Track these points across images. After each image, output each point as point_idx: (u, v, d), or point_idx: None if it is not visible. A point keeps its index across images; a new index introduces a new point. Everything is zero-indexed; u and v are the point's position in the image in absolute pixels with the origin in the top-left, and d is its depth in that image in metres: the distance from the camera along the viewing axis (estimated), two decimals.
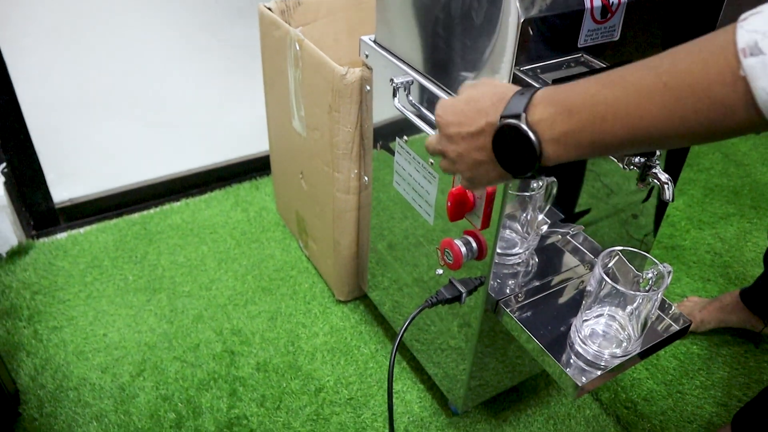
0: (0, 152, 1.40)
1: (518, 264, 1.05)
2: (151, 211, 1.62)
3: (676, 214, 1.74)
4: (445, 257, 0.95)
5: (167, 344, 1.30)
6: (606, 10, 0.80)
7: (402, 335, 0.97)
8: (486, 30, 0.78)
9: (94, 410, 1.17)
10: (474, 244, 0.94)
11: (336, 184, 1.22)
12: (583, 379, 0.88)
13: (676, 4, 0.87)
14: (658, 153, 0.81)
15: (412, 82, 0.95)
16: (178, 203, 1.65)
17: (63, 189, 1.54)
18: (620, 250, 0.91)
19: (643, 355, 0.94)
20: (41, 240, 1.52)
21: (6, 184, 1.43)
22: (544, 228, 1.04)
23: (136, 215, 1.61)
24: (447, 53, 0.88)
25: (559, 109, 0.54)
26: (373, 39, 1.04)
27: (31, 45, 1.34)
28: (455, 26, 0.84)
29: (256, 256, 1.51)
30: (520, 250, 1.05)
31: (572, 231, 1.09)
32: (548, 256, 1.07)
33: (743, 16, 0.46)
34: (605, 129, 0.52)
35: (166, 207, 1.64)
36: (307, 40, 1.19)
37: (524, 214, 1.03)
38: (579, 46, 0.81)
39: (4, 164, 1.42)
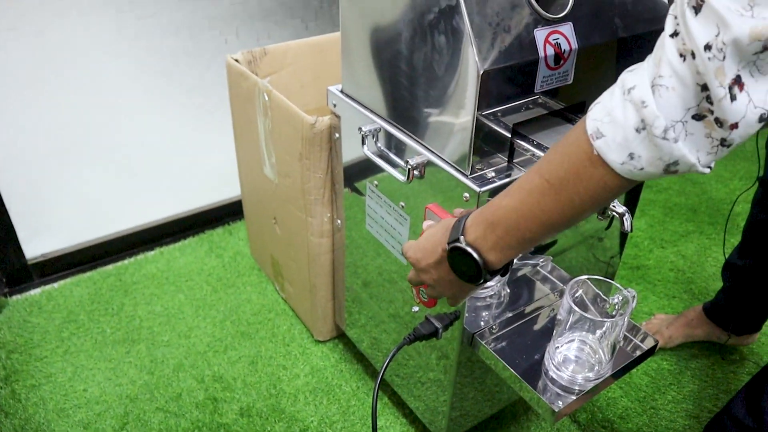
0: None
1: (491, 296, 1.09)
2: (126, 261, 1.63)
3: (639, 235, 1.80)
4: (420, 296, 0.98)
5: (149, 395, 1.30)
6: (559, 58, 0.85)
7: (383, 374, 1.00)
8: (448, 81, 0.83)
9: None
10: None
11: (309, 228, 1.25)
12: (560, 403, 0.92)
13: (622, 47, 0.93)
14: None
15: (380, 130, 1.00)
16: (153, 252, 1.66)
17: (36, 244, 1.54)
18: (586, 279, 0.95)
19: (615, 376, 0.98)
20: (14, 297, 1.52)
21: None
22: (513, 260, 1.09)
23: (110, 267, 1.61)
24: (412, 102, 0.92)
25: (485, 225, 0.67)
26: (339, 89, 1.08)
27: (6, 97, 1.35)
28: (418, 77, 0.89)
29: (233, 301, 1.53)
30: (492, 283, 1.09)
31: (541, 261, 1.14)
32: (520, 287, 1.11)
33: (590, 106, 0.59)
34: (522, 230, 0.64)
35: (141, 257, 1.65)
36: (275, 89, 1.23)
37: None
38: (535, 91, 0.87)
39: None
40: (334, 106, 1.09)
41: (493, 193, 0.85)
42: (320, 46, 1.43)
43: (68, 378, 1.33)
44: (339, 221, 1.23)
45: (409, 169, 0.94)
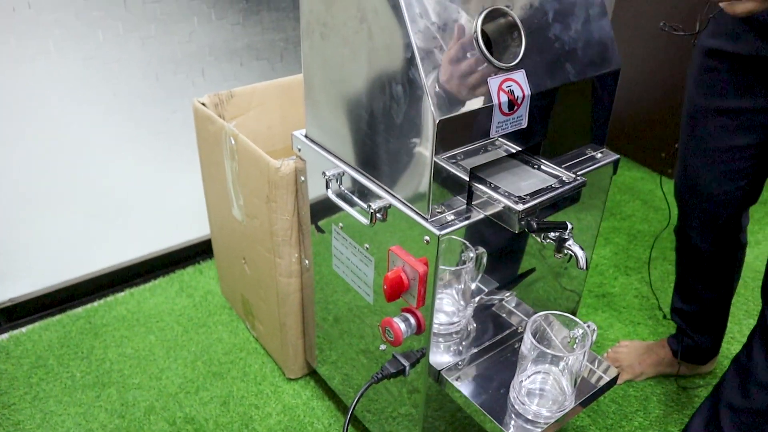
0: None
1: (457, 332, 1.11)
2: (96, 304, 1.62)
3: (604, 263, 1.85)
4: (386, 335, 1.00)
5: None
6: (512, 104, 0.89)
7: (352, 411, 1.01)
8: (406, 128, 0.86)
9: None
10: (413, 321, 1.00)
11: (278, 269, 1.27)
12: None
13: (573, 92, 0.98)
14: (570, 226, 0.89)
15: (343, 174, 1.02)
16: (123, 294, 1.66)
17: (2, 289, 1.53)
18: (547, 314, 0.98)
19: (581, 405, 1.01)
20: None
21: None
22: (477, 298, 1.12)
23: (80, 309, 1.61)
24: (372, 148, 0.95)
25: None
26: (304, 134, 1.11)
27: None
28: (378, 124, 0.92)
29: (205, 341, 1.53)
30: (458, 319, 1.12)
31: (506, 296, 1.17)
32: (486, 322, 1.14)
33: None
34: None
35: (111, 299, 1.64)
36: (242, 133, 1.25)
37: (459, 285, 1.10)
38: (491, 137, 0.90)
39: None
40: (299, 150, 1.12)
41: (445, 241, 0.88)
42: (286, 87, 1.46)
43: (37, 425, 1.32)
44: (307, 261, 1.25)
45: (371, 212, 0.96)
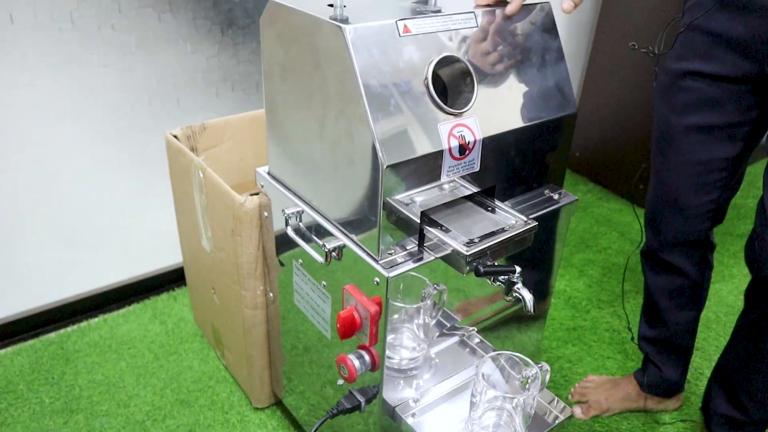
0: None
1: (415, 368, 1.13)
2: (69, 329, 1.64)
3: (577, 296, 1.86)
4: (341, 372, 1.01)
5: None
6: (463, 149, 0.91)
7: None
8: (357, 171, 0.88)
9: None
10: (367, 358, 1.01)
11: (244, 301, 1.28)
12: None
13: (528, 136, 1.00)
14: (518, 270, 0.91)
15: (302, 212, 1.04)
16: (96, 320, 1.67)
17: None
18: (498, 355, 1.00)
19: None
20: None
21: None
22: (436, 334, 1.13)
23: (53, 335, 1.62)
24: (327, 188, 0.97)
25: None
26: (267, 170, 1.13)
27: None
28: (332, 166, 0.94)
29: (175, 368, 1.54)
30: (417, 354, 1.13)
31: (467, 333, 1.18)
32: (445, 358, 1.15)
33: None
34: None
35: (84, 324, 1.65)
36: (212, 165, 1.28)
37: (418, 321, 1.11)
38: (442, 181, 0.92)
39: None
40: (262, 186, 1.14)
41: (395, 282, 0.90)
42: (259, 120, 1.48)
43: None
44: (272, 294, 1.27)
45: (326, 252, 0.98)
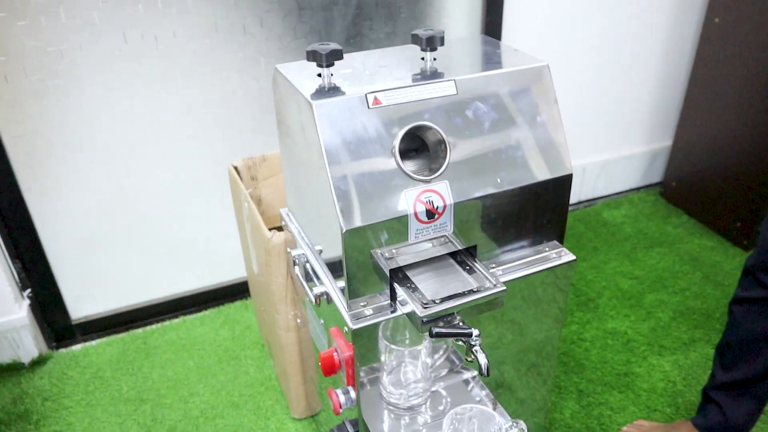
0: (26, 280, 1.71)
1: (418, 405, 1.18)
2: (153, 327, 1.88)
3: (639, 339, 1.80)
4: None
5: None
6: (431, 213, 0.97)
7: None
8: (331, 228, 0.97)
9: None
10: (353, 394, 1.10)
11: (278, 323, 1.42)
12: None
13: (514, 198, 1.03)
14: (476, 332, 0.95)
15: (304, 255, 1.15)
16: (176, 320, 1.90)
17: (80, 307, 1.83)
18: (466, 408, 1.04)
19: None
20: (60, 351, 1.81)
21: (31, 305, 1.73)
22: (432, 376, 1.19)
23: (140, 330, 1.87)
24: (317, 236, 1.07)
25: None
26: (287, 210, 1.25)
27: (51, 188, 1.65)
28: (316, 218, 1.04)
29: (233, 372, 1.72)
30: (413, 393, 1.19)
31: (472, 376, 1.23)
32: (444, 398, 1.20)
33: None
34: None
35: (166, 323, 1.89)
36: (270, 192, 1.44)
37: (421, 360, 1.17)
38: (410, 242, 0.98)
39: (29, 290, 1.73)
40: (285, 225, 1.26)
41: (364, 331, 0.97)
42: None
43: (83, 428, 1.58)
44: (299, 320, 1.39)
45: (314, 295, 1.08)
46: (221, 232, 1.88)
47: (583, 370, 1.70)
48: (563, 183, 1.06)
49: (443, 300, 0.96)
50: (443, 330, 0.94)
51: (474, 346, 0.96)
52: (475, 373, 1.21)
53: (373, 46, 1.79)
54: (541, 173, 1.04)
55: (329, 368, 1.06)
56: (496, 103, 1.02)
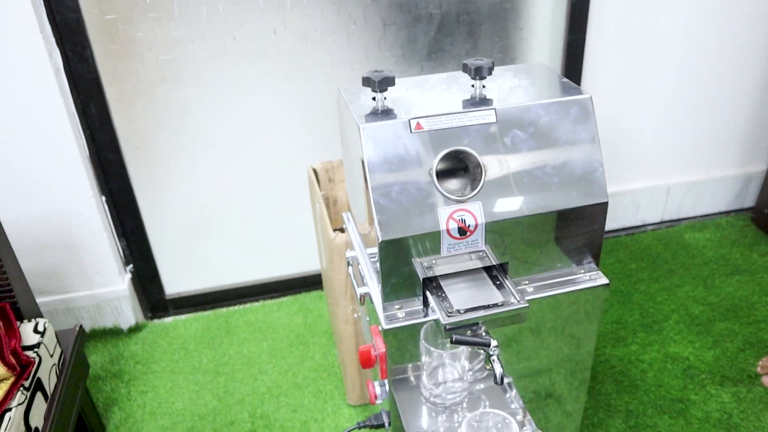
0: (129, 257, 1.95)
1: (456, 404, 1.27)
2: (235, 308, 2.07)
3: (700, 366, 1.78)
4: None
5: (212, 417, 1.69)
6: (463, 230, 1.06)
7: None
8: (373, 240, 1.08)
9: None
10: (387, 387, 1.21)
11: (337, 316, 1.55)
12: None
13: (546, 222, 1.09)
14: (495, 343, 1.03)
15: (356, 258, 1.27)
16: (257, 304, 2.08)
17: (173, 285, 2.05)
18: (483, 413, 1.12)
19: None
20: (153, 321, 2.04)
21: (132, 279, 1.97)
22: (470, 375, 1.27)
23: (224, 310, 2.07)
24: (362, 240, 1.18)
25: None
26: (348, 214, 1.37)
27: (156, 178, 1.87)
28: (362, 222, 1.15)
29: (300, 356, 1.88)
30: (458, 390, 1.28)
31: (508, 383, 1.30)
32: (489, 399, 1.27)
33: None
34: None
35: (247, 306, 2.08)
36: (339, 197, 1.57)
37: (460, 362, 1.26)
38: (442, 254, 1.07)
39: (131, 266, 1.96)
40: (345, 227, 1.39)
41: (396, 332, 1.07)
42: None
43: (166, 391, 1.79)
44: (356, 315, 1.51)
45: (360, 295, 1.19)
46: (302, 227, 2.03)
47: (636, 391, 1.71)
48: (597, 210, 1.11)
49: (467, 311, 1.04)
50: (462, 338, 1.03)
51: (492, 355, 1.04)
52: (511, 379, 1.28)
53: (454, 61, 1.87)
54: (574, 200, 1.09)
55: (366, 362, 1.17)
56: (534, 131, 1.08)
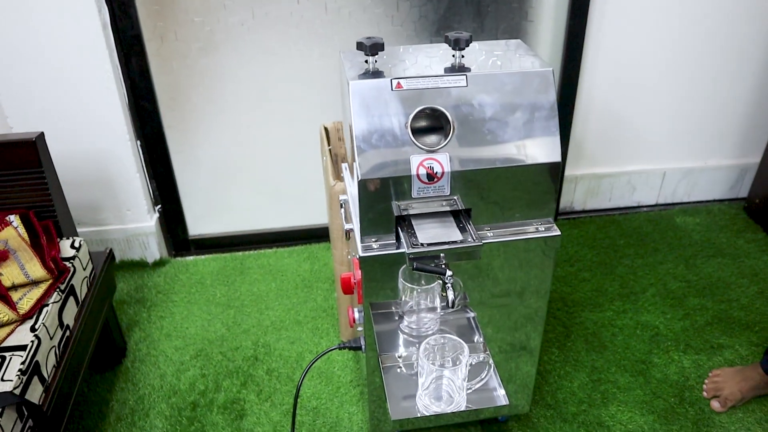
0: (158, 197, 2.18)
1: (425, 335, 1.45)
2: (250, 252, 2.29)
3: (667, 335, 1.92)
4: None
5: (219, 342, 1.91)
6: (431, 176, 1.23)
7: (313, 362, 1.45)
8: (356, 181, 1.26)
9: (161, 371, 1.82)
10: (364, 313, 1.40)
11: (335, 257, 1.74)
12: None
13: (505, 176, 1.26)
14: (449, 273, 1.20)
15: (347, 201, 1.45)
16: (270, 250, 2.30)
17: (196, 227, 2.27)
18: (437, 338, 1.30)
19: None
20: (176, 259, 2.27)
21: (159, 219, 2.19)
22: (450, 309, 1.44)
23: (240, 253, 2.28)
24: (350, 184, 1.36)
25: None
26: (346, 165, 1.56)
27: (187, 128, 2.08)
28: (351, 167, 1.33)
29: (304, 297, 2.08)
30: (429, 322, 1.46)
31: (469, 315, 1.48)
32: (457, 333, 1.45)
33: None
34: None
35: (261, 251, 2.29)
36: (344, 153, 1.75)
37: (432, 299, 1.44)
38: (413, 197, 1.25)
39: (159, 206, 2.19)
40: (343, 176, 1.57)
41: (371, 260, 1.26)
42: None
43: (182, 318, 2.01)
44: (350, 256, 1.70)
45: (345, 231, 1.38)
46: (316, 182, 2.23)
47: (604, 351, 1.87)
48: (551, 169, 1.27)
49: (430, 245, 1.22)
50: (422, 266, 1.21)
51: (446, 284, 1.22)
52: (474, 314, 1.46)
53: None
54: (530, 158, 1.26)
55: (346, 287, 1.36)
56: (500, 96, 1.25)
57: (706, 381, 1.75)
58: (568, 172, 2.37)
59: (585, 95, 2.21)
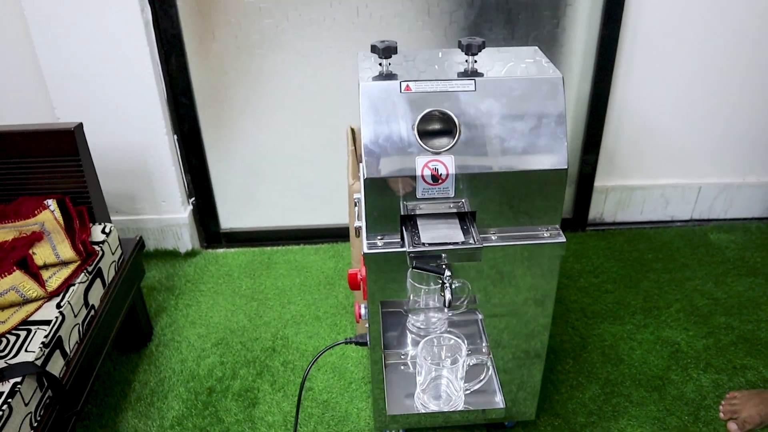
0: (192, 190, 2.26)
1: (432, 332, 1.48)
2: (278, 247, 2.35)
3: (688, 352, 1.88)
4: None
5: (240, 332, 1.98)
6: (435, 177, 1.26)
7: (319, 355, 1.49)
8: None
9: (182, 356, 1.90)
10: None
11: (353, 255, 1.78)
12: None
13: (510, 181, 1.27)
14: (447, 273, 1.22)
15: (360, 200, 1.49)
16: (297, 246, 2.35)
17: (227, 221, 2.35)
18: (437, 338, 1.32)
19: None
20: (208, 250, 2.35)
21: (193, 211, 2.28)
22: (460, 310, 1.46)
23: (268, 248, 2.35)
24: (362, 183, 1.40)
25: None
26: (363, 164, 1.59)
27: (222, 125, 2.16)
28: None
29: (326, 294, 2.13)
30: (436, 321, 1.48)
31: (478, 317, 1.49)
32: (464, 333, 1.47)
33: None
34: None
35: (289, 247, 2.35)
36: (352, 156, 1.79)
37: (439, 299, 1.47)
38: (417, 197, 1.28)
39: (193, 198, 2.28)
40: (360, 175, 1.61)
41: (375, 257, 1.29)
42: None
43: (207, 306, 2.09)
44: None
45: (356, 228, 1.42)
46: (344, 181, 2.27)
47: (620, 364, 1.85)
48: (557, 176, 1.28)
49: (431, 245, 1.25)
50: (421, 265, 1.23)
51: (445, 284, 1.24)
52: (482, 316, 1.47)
53: (491, 45, 2.04)
54: (536, 164, 1.27)
55: (352, 283, 1.40)
56: (508, 102, 1.26)
57: (722, 402, 1.71)
58: (598, 183, 2.35)
59: (618, 105, 2.19)
